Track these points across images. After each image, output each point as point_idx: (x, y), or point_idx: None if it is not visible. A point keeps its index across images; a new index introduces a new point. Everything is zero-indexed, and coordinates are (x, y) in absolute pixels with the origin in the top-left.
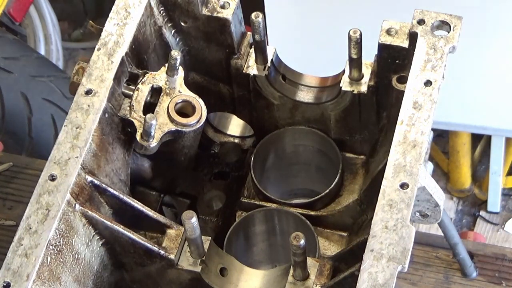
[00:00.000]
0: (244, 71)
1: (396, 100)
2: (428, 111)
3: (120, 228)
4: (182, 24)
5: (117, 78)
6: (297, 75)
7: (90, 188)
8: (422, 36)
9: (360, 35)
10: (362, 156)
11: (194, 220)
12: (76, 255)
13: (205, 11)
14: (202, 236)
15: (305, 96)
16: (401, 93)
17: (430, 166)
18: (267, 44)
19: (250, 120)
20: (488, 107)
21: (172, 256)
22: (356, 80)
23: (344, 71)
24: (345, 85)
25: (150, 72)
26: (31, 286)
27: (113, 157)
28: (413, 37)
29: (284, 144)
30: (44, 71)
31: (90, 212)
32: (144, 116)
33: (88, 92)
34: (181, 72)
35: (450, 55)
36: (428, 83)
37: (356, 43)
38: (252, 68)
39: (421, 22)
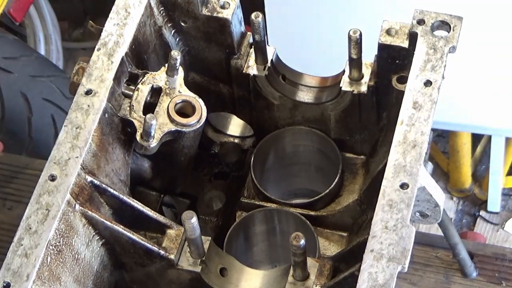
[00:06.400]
0: (244, 71)
1: (396, 100)
2: (428, 111)
3: (120, 228)
4: (182, 24)
5: (117, 78)
6: (297, 75)
7: (90, 188)
8: (422, 36)
9: (360, 35)
10: (362, 156)
11: (194, 220)
12: (76, 255)
13: (205, 11)
14: (202, 236)
15: (305, 96)
16: (401, 93)
17: (430, 166)
18: (267, 44)
19: (250, 120)
20: (488, 107)
21: (172, 256)
22: (356, 80)
23: (344, 71)
24: (345, 85)
25: (150, 72)
26: (31, 286)
27: (113, 157)
28: (413, 37)
29: (284, 144)
30: (44, 71)
31: (90, 212)
32: (144, 116)
33: (88, 92)
34: (181, 72)
35: (450, 55)
36: (428, 83)
37: (356, 43)
38: (252, 68)
39: (421, 22)
